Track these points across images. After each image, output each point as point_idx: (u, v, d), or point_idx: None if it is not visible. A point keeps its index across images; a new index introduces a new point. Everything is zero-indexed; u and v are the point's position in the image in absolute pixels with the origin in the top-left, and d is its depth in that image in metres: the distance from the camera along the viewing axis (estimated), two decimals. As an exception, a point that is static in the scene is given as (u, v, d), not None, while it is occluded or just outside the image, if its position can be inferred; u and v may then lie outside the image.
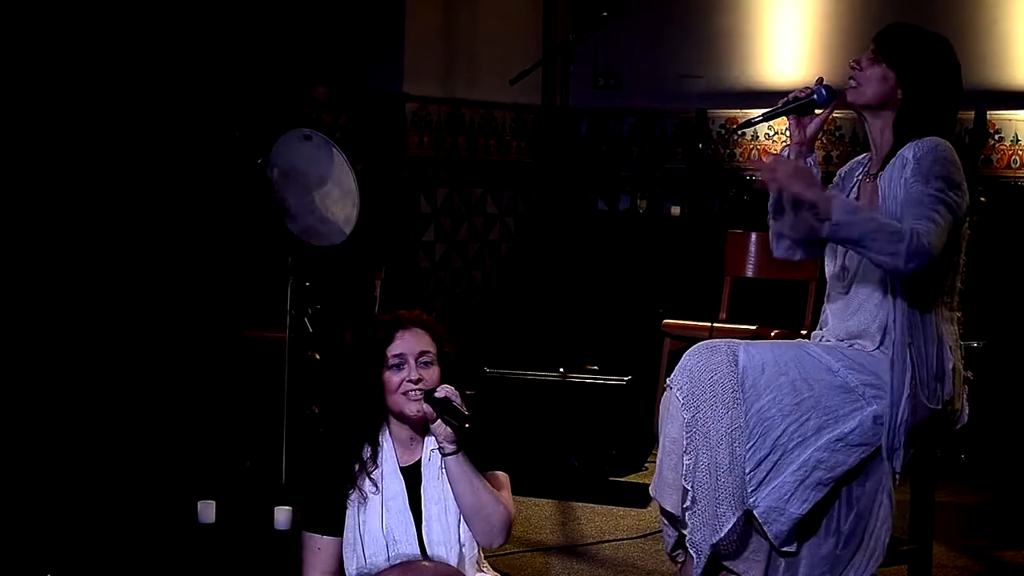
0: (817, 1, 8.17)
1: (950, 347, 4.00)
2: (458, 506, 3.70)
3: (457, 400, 3.64)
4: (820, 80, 4.13)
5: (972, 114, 7.60)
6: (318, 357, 6.05)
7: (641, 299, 8.18)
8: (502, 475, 3.81)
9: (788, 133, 4.22)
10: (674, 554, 4.14)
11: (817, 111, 4.15)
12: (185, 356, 6.92)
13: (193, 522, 5.28)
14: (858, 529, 3.96)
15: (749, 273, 7.01)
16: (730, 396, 3.94)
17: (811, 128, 4.17)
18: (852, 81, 4.09)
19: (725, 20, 8.51)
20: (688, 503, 3.94)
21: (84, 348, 6.64)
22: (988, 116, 7.61)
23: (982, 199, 7.44)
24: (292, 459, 5.70)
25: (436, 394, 3.65)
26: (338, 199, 5.91)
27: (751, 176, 3.72)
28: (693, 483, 3.93)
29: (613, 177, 8.88)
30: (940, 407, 3.97)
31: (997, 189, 7.53)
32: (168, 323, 6.93)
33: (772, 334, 6.38)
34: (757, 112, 4.22)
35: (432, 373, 3.73)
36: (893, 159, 4.00)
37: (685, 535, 3.99)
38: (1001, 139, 7.63)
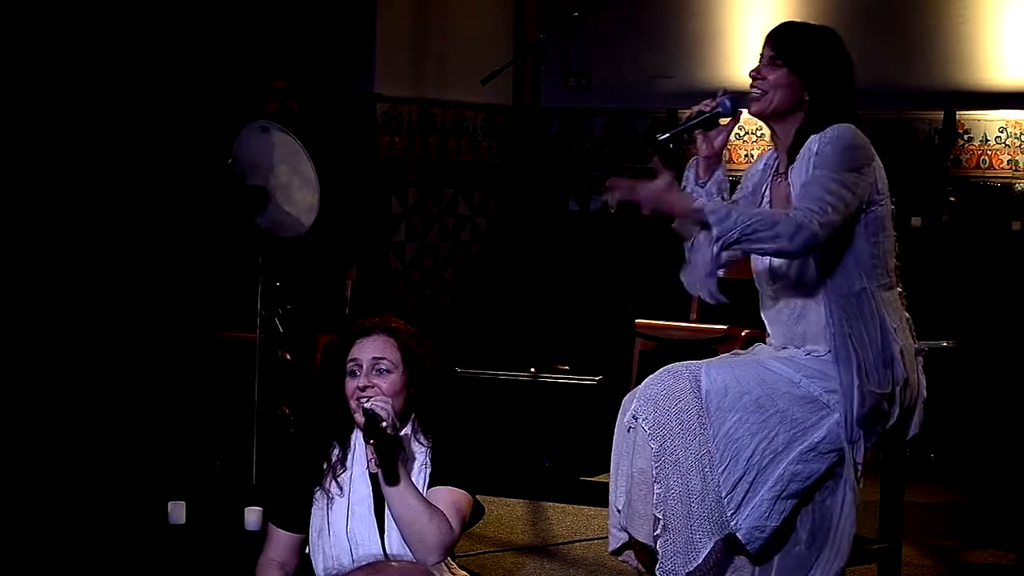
0: (786, 3, 8.19)
1: (894, 329, 3.98)
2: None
3: (384, 413, 3.58)
4: (724, 91, 4.14)
5: (941, 115, 7.63)
6: (289, 357, 6.04)
7: (612, 299, 8.19)
8: (459, 494, 3.72)
9: (698, 145, 4.18)
10: (619, 557, 4.12)
11: (723, 122, 4.14)
12: (156, 357, 6.89)
13: (163, 523, 5.26)
14: (823, 527, 3.96)
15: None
16: (696, 422, 3.93)
17: (718, 141, 4.15)
18: (755, 91, 4.08)
19: (695, 21, 8.52)
20: (659, 531, 3.92)
21: (53, 349, 6.62)
22: (957, 117, 7.64)
23: (952, 199, 7.47)
24: (262, 460, 5.69)
25: (365, 405, 3.62)
26: (299, 187, 5.89)
27: (606, 201, 3.71)
28: (664, 511, 3.89)
29: (584, 177, 8.88)
30: (889, 390, 3.95)
31: (966, 189, 7.56)
32: (139, 324, 6.91)
33: (742, 333, 6.39)
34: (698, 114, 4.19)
35: (387, 380, 3.68)
36: (799, 154, 4.00)
37: (656, 564, 3.96)
38: (970, 139, 7.66)
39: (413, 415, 3.76)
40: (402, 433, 3.74)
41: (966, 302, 7.03)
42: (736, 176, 4.35)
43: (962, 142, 7.67)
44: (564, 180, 8.92)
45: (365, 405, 3.60)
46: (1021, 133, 7.57)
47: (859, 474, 3.96)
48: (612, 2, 7.27)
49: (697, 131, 4.14)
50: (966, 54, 7.70)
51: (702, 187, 4.16)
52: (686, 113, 4.20)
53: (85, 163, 6.80)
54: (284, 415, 5.97)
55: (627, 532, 3.99)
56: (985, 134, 7.64)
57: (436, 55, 8.44)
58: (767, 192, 4.16)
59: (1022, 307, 7.08)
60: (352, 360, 3.71)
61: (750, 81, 4.12)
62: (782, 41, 4.08)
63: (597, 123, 8.88)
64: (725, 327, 6.51)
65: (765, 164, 4.23)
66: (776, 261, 4.06)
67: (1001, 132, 7.60)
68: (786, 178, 4.07)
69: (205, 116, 6.88)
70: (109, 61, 6.87)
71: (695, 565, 3.88)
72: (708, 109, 4.11)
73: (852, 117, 4.02)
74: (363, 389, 3.66)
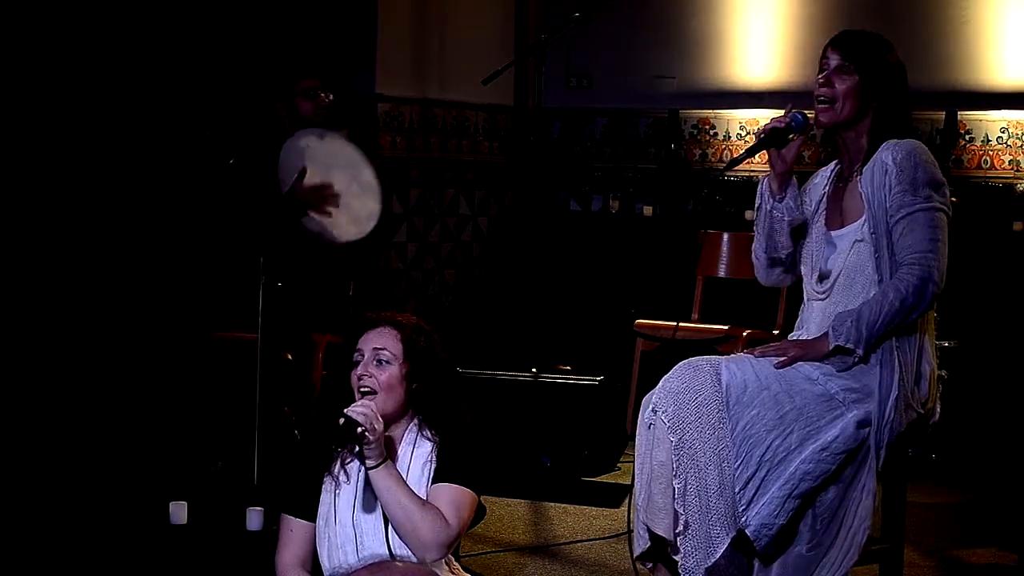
0: (788, 3, 8.20)
1: (929, 351, 4.03)
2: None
3: (363, 418, 3.56)
4: (791, 107, 4.16)
5: (943, 115, 7.63)
6: (290, 358, 6.04)
7: (613, 299, 8.19)
8: (460, 491, 3.71)
9: (768, 163, 4.21)
10: (643, 562, 4.12)
11: (791, 137, 4.15)
12: (156, 357, 6.89)
13: (165, 523, 5.26)
14: (833, 526, 3.96)
15: (721, 273, 7.02)
16: (715, 416, 3.93)
17: (791, 155, 4.15)
18: (824, 101, 4.10)
19: (697, 21, 8.53)
20: (680, 528, 3.92)
21: (53, 349, 6.62)
22: (959, 117, 7.64)
23: (953, 199, 7.46)
24: (264, 460, 5.68)
25: (345, 411, 3.59)
26: (358, 195, 5.97)
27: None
28: (684, 507, 3.90)
29: (586, 177, 8.89)
30: (923, 411, 3.99)
31: (968, 189, 7.56)
32: (139, 324, 6.91)
33: (744, 334, 6.39)
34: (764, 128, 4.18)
35: (385, 372, 3.70)
36: (871, 164, 4.02)
37: (676, 561, 3.97)
38: (972, 140, 7.67)
39: (419, 411, 3.76)
40: (405, 429, 3.76)
41: (967, 302, 7.03)
42: (739, 175, 4.34)
43: (963, 142, 7.67)
44: (565, 180, 8.92)
45: (345, 411, 3.59)
46: (1022, 133, 7.57)
47: (877, 481, 3.98)
48: (613, 2, 7.27)
49: (769, 150, 4.14)
50: (967, 54, 7.71)
51: (780, 202, 4.18)
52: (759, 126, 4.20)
53: (86, 164, 6.80)
54: (286, 415, 5.97)
55: (648, 529, 4.00)
56: (986, 134, 7.64)
57: (437, 55, 8.45)
58: (824, 203, 4.16)
59: (1023, 307, 7.08)
60: (357, 350, 3.74)
61: (816, 90, 4.12)
62: (851, 48, 4.09)
63: (598, 123, 8.88)
64: (727, 327, 6.51)
65: (822, 177, 4.24)
66: (829, 266, 4.08)
67: (1003, 132, 7.61)
68: (850, 182, 4.09)
69: (208, 117, 6.88)
70: (110, 62, 6.87)
71: (713, 561, 3.88)
72: (782, 125, 4.12)
73: (911, 124, 4.12)
74: (360, 378, 3.68)
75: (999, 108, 7.61)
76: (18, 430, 6.28)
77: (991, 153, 7.63)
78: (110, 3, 6.85)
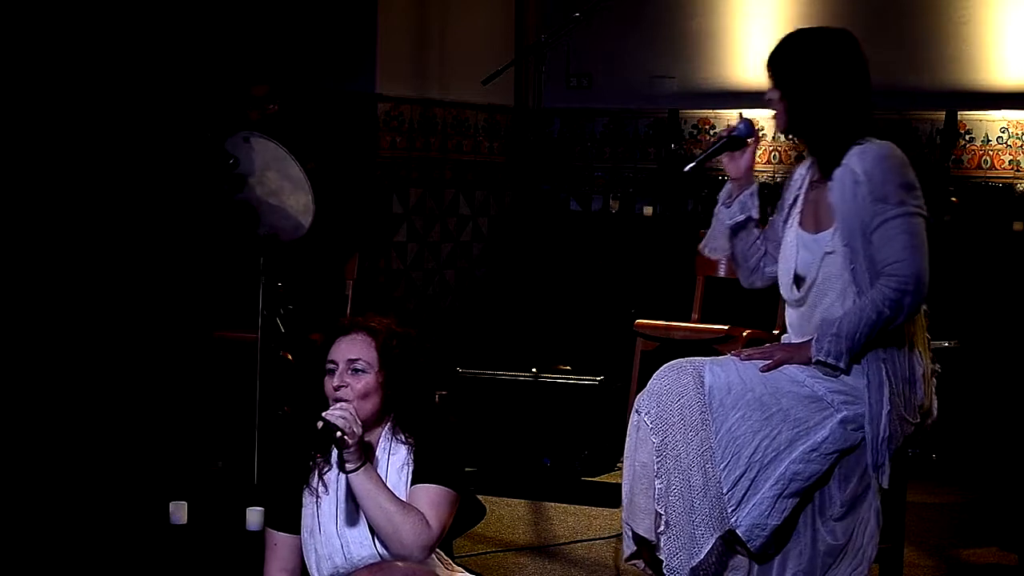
0: (788, 3, 8.19)
1: (920, 352, 4.01)
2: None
3: (342, 422, 3.52)
4: (740, 115, 4.19)
5: (943, 115, 7.63)
6: (290, 358, 6.04)
7: (613, 299, 8.19)
8: (440, 492, 3.66)
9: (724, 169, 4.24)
10: (631, 562, 4.13)
11: (749, 141, 4.18)
12: (156, 357, 6.90)
13: (165, 523, 5.27)
14: (841, 543, 3.95)
15: (721, 273, 7.00)
16: (698, 418, 3.94)
17: (744, 161, 4.20)
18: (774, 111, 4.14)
19: (696, 21, 8.52)
20: (662, 527, 3.93)
21: (54, 349, 6.62)
22: (959, 117, 7.64)
23: (953, 199, 7.47)
24: (264, 460, 5.69)
25: (323, 414, 3.56)
26: (291, 192, 5.87)
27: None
28: (666, 507, 3.91)
29: (586, 177, 8.89)
30: (919, 420, 3.98)
31: (968, 190, 7.56)
32: (139, 324, 6.91)
33: (744, 334, 6.39)
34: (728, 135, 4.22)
35: (361, 381, 3.65)
36: (840, 171, 3.98)
37: (660, 559, 3.97)
38: (972, 140, 7.66)
39: (392, 415, 3.74)
40: (380, 436, 3.73)
41: (968, 302, 7.03)
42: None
43: (963, 142, 7.67)
44: (565, 180, 8.92)
45: (323, 414, 3.55)
46: (1022, 133, 7.57)
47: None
48: (613, 2, 7.26)
49: (723, 154, 4.17)
50: (967, 54, 7.70)
51: (727, 207, 4.23)
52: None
53: (86, 164, 6.80)
54: (286, 415, 5.97)
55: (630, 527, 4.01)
56: (987, 134, 7.64)
57: (437, 55, 8.45)
58: (799, 204, 4.15)
59: (1023, 307, 7.08)
60: (330, 360, 3.69)
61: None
62: (771, 57, 4.12)
63: (599, 123, 8.88)
64: (727, 327, 6.51)
65: (799, 176, 4.23)
66: (804, 271, 4.06)
67: (1003, 132, 7.60)
68: (820, 187, 4.07)
69: (206, 117, 6.88)
70: (111, 62, 6.87)
71: (698, 561, 3.89)
72: (726, 134, 4.19)
73: (846, 118, 4.01)
74: (336, 389, 3.65)
75: (999, 108, 7.61)
76: (19, 430, 6.28)
77: (991, 153, 7.63)
78: (111, 3, 6.85)
